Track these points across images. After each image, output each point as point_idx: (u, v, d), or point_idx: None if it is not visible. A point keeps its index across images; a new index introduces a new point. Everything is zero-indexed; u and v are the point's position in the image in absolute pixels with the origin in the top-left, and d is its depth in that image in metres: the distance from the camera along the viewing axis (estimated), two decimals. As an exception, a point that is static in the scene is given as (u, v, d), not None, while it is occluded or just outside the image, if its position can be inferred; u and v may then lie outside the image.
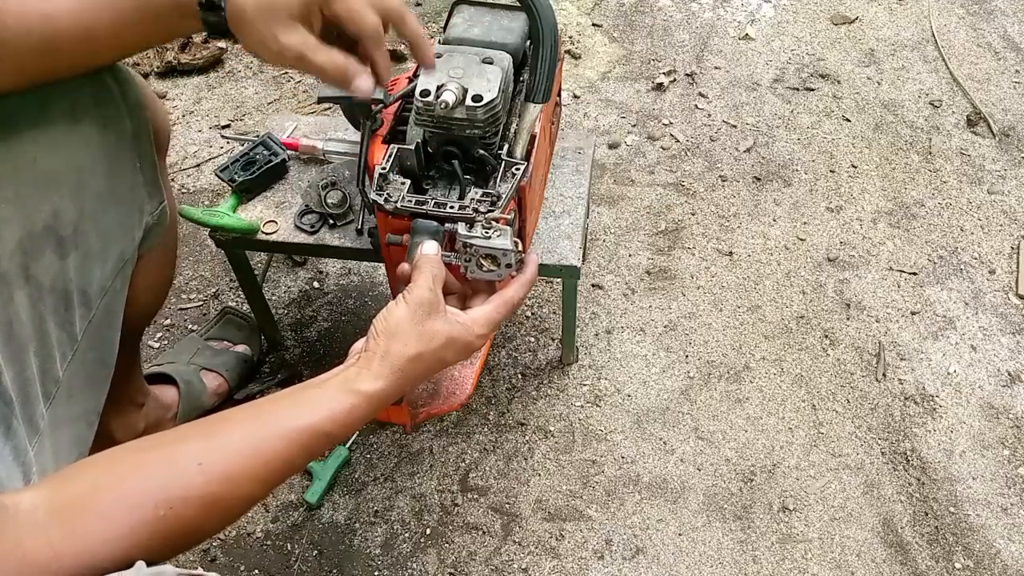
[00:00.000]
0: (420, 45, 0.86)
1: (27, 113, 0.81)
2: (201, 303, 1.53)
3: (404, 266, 0.88)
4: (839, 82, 1.92)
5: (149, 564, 0.61)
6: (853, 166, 1.76)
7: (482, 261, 0.89)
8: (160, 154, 0.98)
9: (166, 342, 1.48)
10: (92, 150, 0.86)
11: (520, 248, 0.90)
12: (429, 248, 0.87)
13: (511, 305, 0.88)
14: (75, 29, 0.77)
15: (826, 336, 1.49)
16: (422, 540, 1.26)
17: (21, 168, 0.81)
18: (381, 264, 1.41)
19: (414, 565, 1.23)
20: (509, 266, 0.89)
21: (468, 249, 0.89)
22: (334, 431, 0.73)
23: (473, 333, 0.83)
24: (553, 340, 1.48)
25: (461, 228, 0.90)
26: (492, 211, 0.92)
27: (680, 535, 1.26)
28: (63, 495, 0.62)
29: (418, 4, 2.12)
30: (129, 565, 0.61)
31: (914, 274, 1.58)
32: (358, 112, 1.07)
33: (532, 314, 1.52)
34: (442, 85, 0.93)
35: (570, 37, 2.03)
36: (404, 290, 0.82)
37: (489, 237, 0.89)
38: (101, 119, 0.86)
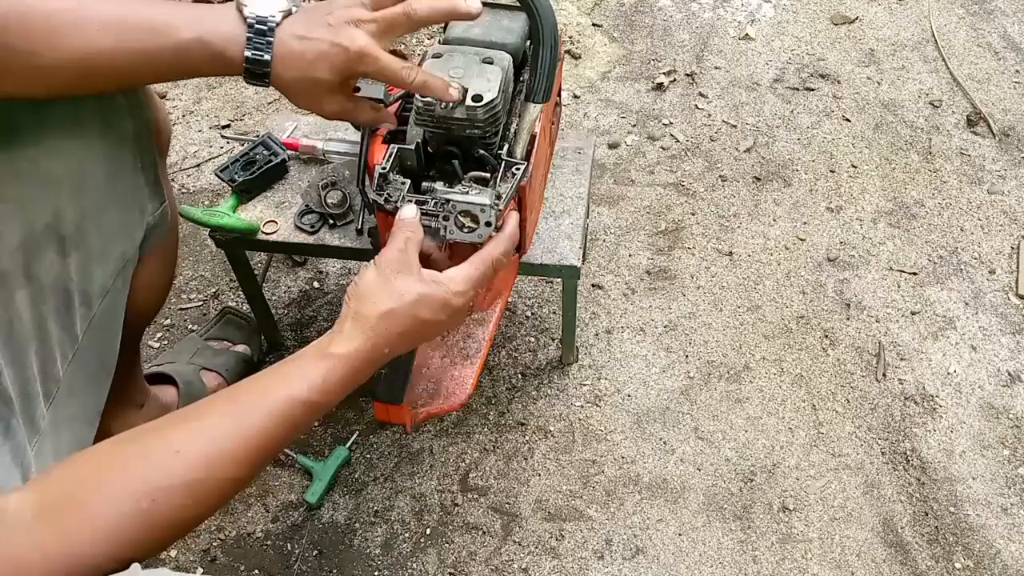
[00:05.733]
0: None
1: (29, 113, 0.81)
2: (201, 303, 1.53)
3: None
4: (839, 82, 1.92)
5: (145, 564, 0.61)
6: (853, 166, 1.76)
7: (460, 218, 0.89)
8: (161, 155, 0.98)
9: (166, 342, 1.48)
10: (94, 150, 0.85)
11: (500, 206, 0.89)
12: (407, 212, 0.86)
13: (489, 262, 0.87)
14: (111, 68, 0.78)
15: (826, 336, 1.49)
16: (422, 540, 1.26)
17: (22, 168, 0.81)
18: (381, 264, 1.41)
19: (414, 565, 1.23)
20: (489, 224, 0.88)
21: (447, 206, 0.89)
22: (313, 398, 0.73)
23: (450, 291, 0.82)
24: (553, 340, 1.48)
25: (439, 185, 0.90)
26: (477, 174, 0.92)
27: (680, 535, 1.26)
28: (49, 495, 0.62)
29: (418, 4, 2.11)
30: (123, 564, 0.61)
31: (914, 274, 1.58)
32: None
33: (532, 314, 1.52)
34: None
35: (570, 37, 2.03)
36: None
37: (467, 194, 0.89)
38: (103, 119, 0.86)
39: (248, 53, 0.79)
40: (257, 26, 0.79)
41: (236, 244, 1.24)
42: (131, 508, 0.62)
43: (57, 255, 0.84)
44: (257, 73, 0.80)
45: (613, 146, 1.79)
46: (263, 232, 1.23)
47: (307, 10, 0.82)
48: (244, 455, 0.68)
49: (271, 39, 0.79)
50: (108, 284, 0.90)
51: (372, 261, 0.81)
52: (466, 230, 0.89)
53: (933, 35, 2.02)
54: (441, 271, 0.86)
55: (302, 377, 0.73)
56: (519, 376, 1.43)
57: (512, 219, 0.92)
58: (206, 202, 1.68)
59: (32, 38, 0.72)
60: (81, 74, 0.76)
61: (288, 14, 0.80)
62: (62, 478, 0.64)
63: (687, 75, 1.93)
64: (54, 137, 0.82)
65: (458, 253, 0.91)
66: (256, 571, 1.23)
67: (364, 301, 0.78)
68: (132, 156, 0.90)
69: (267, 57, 0.79)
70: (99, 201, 0.87)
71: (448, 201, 0.89)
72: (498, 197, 0.94)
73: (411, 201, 0.89)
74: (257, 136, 1.30)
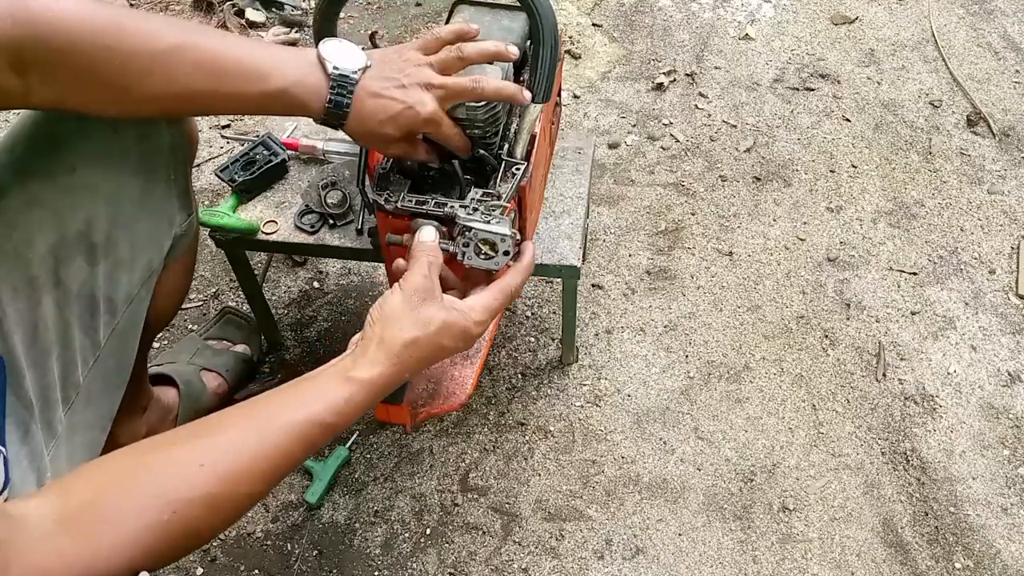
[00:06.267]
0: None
1: (70, 121, 0.82)
2: (201, 303, 1.53)
3: (400, 261, 0.87)
4: (839, 82, 1.92)
5: (153, 570, 0.61)
6: (853, 166, 1.76)
7: (480, 246, 0.90)
8: (189, 165, 0.99)
9: (166, 342, 1.48)
10: (130, 160, 0.87)
11: (517, 235, 0.90)
12: (426, 235, 0.87)
13: (508, 293, 0.87)
14: (195, 105, 0.83)
15: (826, 336, 1.49)
16: (422, 540, 1.26)
17: (59, 174, 0.82)
18: (381, 264, 1.41)
19: (414, 565, 1.23)
20: (507, 253, 0.89)
21: (467, 233, 0.89)
22: (333, 421, 0.73)
23: (470, 320, 0.82)
24: (553, 340, 1.48)
25: (460, 211, 0.90)
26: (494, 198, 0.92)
27: (680, 535, 1.26)
28: (70, 503, 0.62)
29: (418, 4, 2.12)
30: (136, 573, 0.61)
31: (914, 274, 1.58)
32: None
33: (532, 314, 1.52)
34: None
35: (570, 37, 2.03)
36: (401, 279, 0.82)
37: (488, 222, 0.89)
38: (141, 130, 0.87)
39: (329, 106, 0.83)
40: (339, 83, 0.82)
41: (236, 244, 1.24)
42: (152, 519, 0.63)
43: (86, 262, 0.85)
44: (333, 123, 0.85)
45: (613, 146, 1.79)
46: (263, 232, 1.23)
47: (381, 64, 0.86)
48: (263, 472, 0.69)
49: (350, 97, 0.83)
50: (134, 292, 0.91)
51: (397, 284, 0.81)
52: (483, 256, 0.90)
53: (933, 35, 2.02)
54: (449, 288, 0.87)
55: (324, 399, 0.73)
56: (519, 376, 1.43)
57: (528, 250, 0.93)
58: (206, 202, 1.68)
59: (127, 77, 0.75)
60: (167, 108, 0.81)
61: (366, 68, 0.84)
62: (84, 486, 0.64)
63: (687, 75, 1.93)
64: (93, 145, 0.84)
65: (469, 274, 0.92)
66: (256, 571, 1.23)
67: (390, 327, 0.78)
68: (165, 167, 0.92)
69: (345, 111, 0.83)
70: (131, 211, 0.88)
71: (470, 229, 0.89)
72: (498, 198, 0.94)
73: (430, 224, 0.90)
74: (257, 136, 1.30)
